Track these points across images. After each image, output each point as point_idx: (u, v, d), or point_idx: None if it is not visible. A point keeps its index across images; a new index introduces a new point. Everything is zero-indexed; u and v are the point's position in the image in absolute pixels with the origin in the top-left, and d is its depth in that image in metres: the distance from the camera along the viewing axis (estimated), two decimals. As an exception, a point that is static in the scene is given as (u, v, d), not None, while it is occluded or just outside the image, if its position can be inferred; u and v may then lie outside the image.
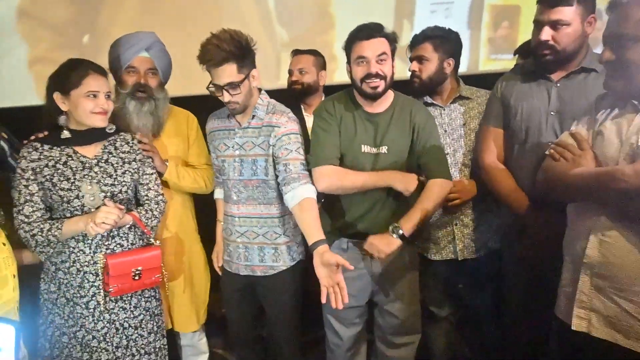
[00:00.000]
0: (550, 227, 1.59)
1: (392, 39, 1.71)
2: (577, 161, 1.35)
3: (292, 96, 2.42)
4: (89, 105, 1.59)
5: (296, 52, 2.53)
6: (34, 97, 2.97)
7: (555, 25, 1.63)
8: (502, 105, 1.83)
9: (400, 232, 1.67)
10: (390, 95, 1.79)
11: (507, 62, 3.33)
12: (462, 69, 2.08)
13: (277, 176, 1.74)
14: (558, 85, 1.71)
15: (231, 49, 1.61)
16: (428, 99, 2.01)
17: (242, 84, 1.67)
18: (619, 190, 1.22)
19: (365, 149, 1.75)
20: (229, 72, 1.64)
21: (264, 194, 1.80)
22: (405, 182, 1.72)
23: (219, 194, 2.01)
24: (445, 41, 1.96)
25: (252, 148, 1.78)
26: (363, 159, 1.74)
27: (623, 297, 1.28)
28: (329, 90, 2.81)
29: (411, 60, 2.01)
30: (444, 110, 2.01)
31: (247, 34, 1.69)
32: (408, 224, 1.68)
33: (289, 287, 1.85)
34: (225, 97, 1.68)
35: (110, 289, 1.61)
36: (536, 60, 1.73)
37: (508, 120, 1.81)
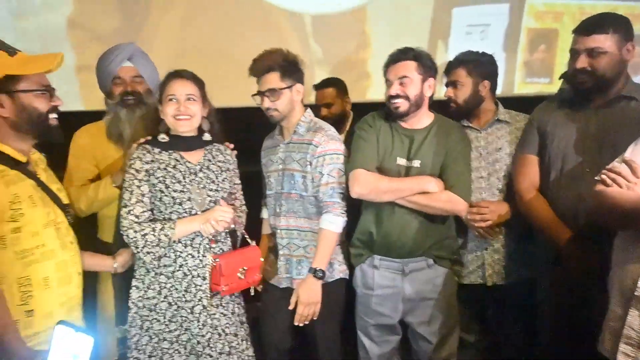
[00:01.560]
0: (590, 259, 1.56)
1: (425, 62, 1.76)
2: (631, 188, 1.31)
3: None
4: (170, 109, 1.64)
5: (318, 87, 2.65)
6: (79, 102, 3.13)
7: (591, 53, 1.63)
8: (538, 133, 1.81)
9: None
10: (429, 115, 1.83)
11: (542, 85, 3.30)
12: (497, 91, 2.07)
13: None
14: (597, 113, 1.69)
15: (276, 59, 1.78)
16: (465, 122, 2.01)
17: (282, 93, 1.77)
18: None
19: (400, 161, 1.79)
20: (270, 79, 1.77)
21: (303, 209, 1.85)
22: (440, 185, 1.74)
23: (264, 214, 2.03)
24: (479, 64, 1.97)
25: (291, 163, 1.85)
26: (397, 170, 1.78)
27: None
28: (363, 107, 2.85)
29: (447, 86, 2.03)
30: (480, 133, 2.00)
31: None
32: None
33: (325, 302, 1.81)
34: (265, 102, 1.78)
35: (223, 288, 1.64)
36: (574, 88, 1.72)
37: (545, 147, 1.78)
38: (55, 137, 1.40)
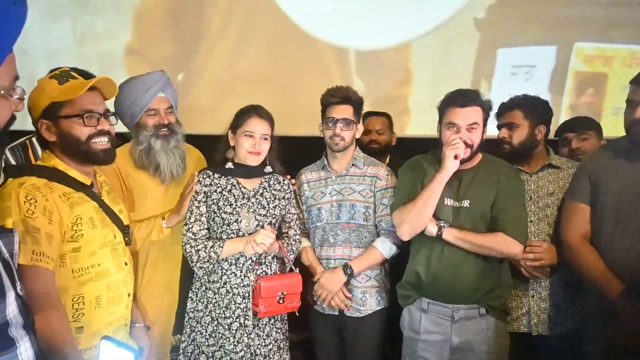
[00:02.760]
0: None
1: (487, 108, 1.76)
2: None
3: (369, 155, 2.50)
4: (246, 143, 1.79)
5: (370, 114, 2.68)
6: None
7: None
8: (589, 181, 1.76)
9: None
10: (478, 155, 1.80)
11: (589, 129, 3.21)
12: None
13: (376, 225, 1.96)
14: (654, 164, 1.63)
15: (353, 94, 1.97)
16: (515, 166, 1.96)
17: (352, 125, 1.94)
18: None
19: (448, 202, 1.76)
20: (346, 110, 1.94)
21: (360, 238, 1.95)
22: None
23: (305, 243, 2.07)
24: (536, 108, 1.96)
25: (351, 194, 1.97)
26: (446, 211, 1.75)
27: None
28: (403, 141, 2.85)
29: (499, 127, 2.00)
30: (531, 177, 1.96)
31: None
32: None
33: (372, 330, 1.96)
34: (337, 129, 1.93)
35: (260, 309, 1.74)
36: (630, 139, 1.67)
37: (597, 197, 1.72)
38: (100, 161, 1.42)
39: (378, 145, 2.55)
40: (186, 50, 3.37)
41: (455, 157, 1.68)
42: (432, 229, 1.71)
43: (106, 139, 1.41)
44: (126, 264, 1.48)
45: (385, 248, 1.91)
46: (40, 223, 1.24)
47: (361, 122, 2.04)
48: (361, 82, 3.28)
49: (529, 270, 1.86)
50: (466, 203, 1.73)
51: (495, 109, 1.98)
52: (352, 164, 1.99)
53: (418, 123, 3.35)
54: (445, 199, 1.75)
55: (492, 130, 2.00)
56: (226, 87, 3.30)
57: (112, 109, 1.49)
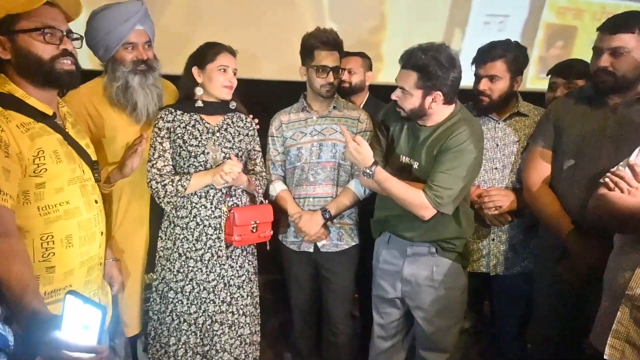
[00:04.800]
0: (593, 254, 1.58)
1: (428, 76, 1.63)
2: (633, 193, 1.33)
3: (340, 94, 2.47)
4: (221, 77, 1.80)
5: (345, 54, 2.58)
6: (88, 62, 3.07)
7: (615, 52, 1.62)
8: (554, 127, 1.81)
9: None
10: (443, 114, 1.70)
11: (555, 82, 3.28)
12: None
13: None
14: (615, 112, 1.69)
15: (339, 40, 1.98)
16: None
17: (340, 72, 2.02)
18: None
19: (404, 159, 1.78)
20: (337, 57, 1.97)
21: (339, 176, 2.03)
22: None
23: (282, 186, 2.09)
24: (517, 58, 1.91)
25: (333, 133, 2.03)
26: (400, 168, 1.77)
27: (662, 333, 1.26)
28: (375, 89, 2.82)
29: (478, 76, 1.93)
30: (499, 124, 1.99)
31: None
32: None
33: (347, 264, 2.08)
34: (330, 77, 1.96)
35: (235, 238, 1.78)
36: (594, 86, 1.71)
37: (559, 142, 1.79)
38: (64, 83, 1.31)
39: (348, 84, 2.49)
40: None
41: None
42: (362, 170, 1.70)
43: (70, 60, 1.28)
44: (96, 201, 1.42)
45: (359, 189, 1.99)
46: None
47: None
48: (335, 26, 3.16)
49: (490, 219, 1.94)
50: (416, 164, 1.74)
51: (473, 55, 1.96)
52: (334, 106, 2.05)
53: (391, 70, 3.31)
54: (401, 155, 1.78)
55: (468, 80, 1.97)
56: (189, 23, 3.12)
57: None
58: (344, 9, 3.19)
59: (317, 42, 1.93)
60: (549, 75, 2.28)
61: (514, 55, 1.90)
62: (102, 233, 1.44)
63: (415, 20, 3.14)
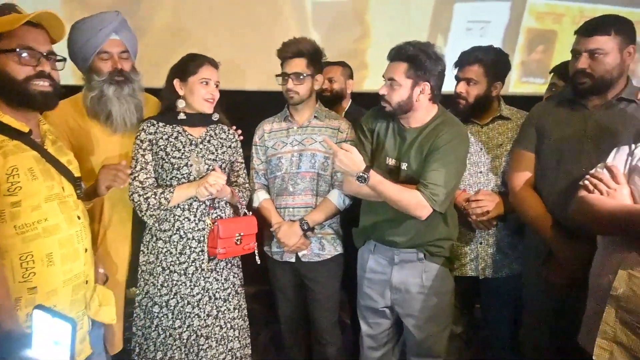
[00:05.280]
0: (579, 255, 1.59)
1: (416, 63, 1.67)
2: (612, 195, 1.35)
3: (322, 102, 2.49)
4: (203, 91, 1.79)
5: (327, 64, 2.62)
6: (71, 78, 3.05)
7: (592, 54, 1.65)
8: (536, 130, 1.83)
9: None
10: (429, 113, 1.74)
11: (538, 85, 3.33)
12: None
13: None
14: (595, 114, 1.71)
15: (306, 46, 1.95)
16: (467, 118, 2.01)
17: (305, 79, 1.95)
18: None
19: (390, 161, 1.78)
20: (298, 63, 1.94)
21: (318, 186, 2.01)
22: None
23: (264, 195, 2.08)
24: (496, 64, 1.94)
25: (312, 144, 2.02)
26: (388, 171, 1.76)
27: (648, 333, 1.26)
28: (359, 96, 2.84)
29: (457, 79, 1.99)
30: (482, 129, 2.01)
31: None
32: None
33: (331, 274, 2.06)
34: (288, 84, 1.95)
35: (219, 251, 1.75)
36: (573, 88, 1.73)
37: (541, 145, 1.81)
38: (37, 105, 1.30)
39: (329, 93, 2.56)
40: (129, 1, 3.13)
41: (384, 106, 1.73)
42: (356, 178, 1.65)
43: (47, 82, 1.28)
44: (79, 217, 1.39)
45: (339, 200, 1.99)
46: None
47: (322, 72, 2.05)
48: (318, 35, 3.19)
49: (476, 223, 1.94)
50: (404, 165, 1.74)
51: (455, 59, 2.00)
52: (314, 116, 2.04)
53: (376, 78, 3.33)
54: (387, 157, 1.78)
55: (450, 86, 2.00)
56: (176, 38, 3.12)
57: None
58: (327, 18, 3.23)
59: (281, 52, 1.98)
60: (551, 74, 2.29)
61: (492, 60, 1.94)
62: (86, 250, 1.41)
63: (398, 28, 3.18)
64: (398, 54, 1.69)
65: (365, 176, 1.62)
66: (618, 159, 1.42)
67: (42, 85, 1.27)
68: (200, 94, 1.79)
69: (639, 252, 1.28)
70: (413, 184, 1.69)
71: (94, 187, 1.66)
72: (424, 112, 1.73)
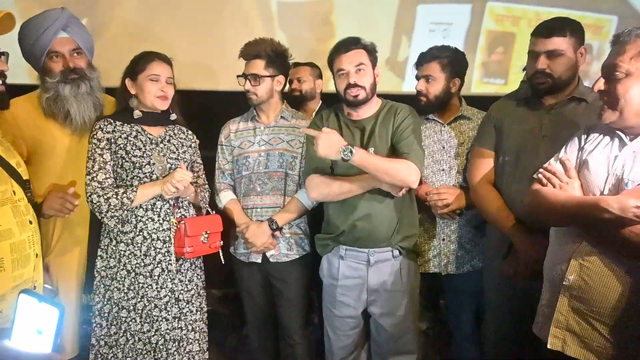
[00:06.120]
0: (536, 249, 1.64)
1: (370, 50, 1.79)
2: (564, 188, 1.40)
3: (292, 102, 2.50)
4: (153, 88, 1.76)
5: (295, 64, 2.64)
6: (25, 76, 2.93)
7: (551, 54, 1.71)
8: (494, 128, 1.89)
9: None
10: (377, 102, 1.85)
11: (498, 86, 3.42)
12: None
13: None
14: (550, 112, 1.78)
15: (265, 48, 1.95)
16: (431, 116, 2.07)
17: (263, 80, 1.95)
18: (601, 220, 1.27)
19: None
20: (255, 65, 1.95)
21: (286, 186, 2.00)
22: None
23: (231, 195, 2.06)
24: (453, 61, 2.02)
25: (280, 143, 2.02)
26: (352, 164, 1.76)
27: (598, 320, 1.33)
28: (329, 97, 2.86)
29: (417, 78, 2.06)
30: (444, 127, 2.06)
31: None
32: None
33: (299, 274, 2.04)
34: (247, 85, 1.96)
35: (187, 250, 1.71)
36: (532, 88, 1.80)
37: (500, 142, 1.86)
38: None
39: (299, 93, 2.59)
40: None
41: (355, 97, 1.77)
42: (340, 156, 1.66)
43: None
44: (31, 222, 1.35)
45: (307, 200, 1.97)
46: None
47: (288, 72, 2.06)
48: (284, 35, 3.18)
49: (441, 215, 1.98)
50: (372, 150, 1.77)
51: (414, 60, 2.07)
52: (281, 116, 2.05)
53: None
54: None
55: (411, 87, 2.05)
56: (137, 37, 3.04)
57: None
58: (292, 19, 3.22)
59: (242, 53, 1.99)
60: (524, 71, 2.35)
61: (448, 57, 2.01)
62: (37, 255, 1.37)
63: (363, 28, 3.20)
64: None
65: (352, 150, 1.64)
66: (570, 152, 1.48)
67: None
68: (150, 91, 1.76)
69: (589, 242, 1.34)
70: None
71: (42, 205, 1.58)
72: (374, 102, 1.84)
